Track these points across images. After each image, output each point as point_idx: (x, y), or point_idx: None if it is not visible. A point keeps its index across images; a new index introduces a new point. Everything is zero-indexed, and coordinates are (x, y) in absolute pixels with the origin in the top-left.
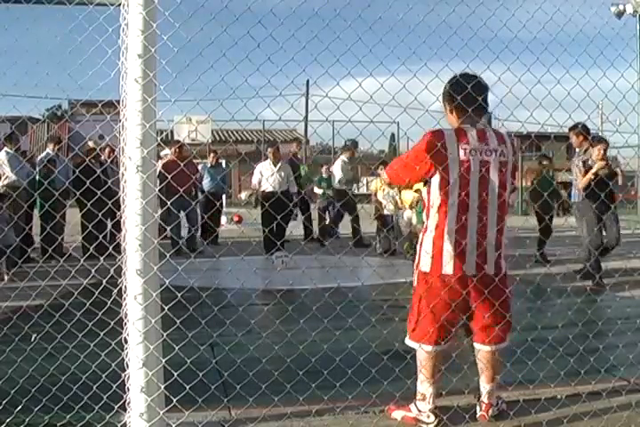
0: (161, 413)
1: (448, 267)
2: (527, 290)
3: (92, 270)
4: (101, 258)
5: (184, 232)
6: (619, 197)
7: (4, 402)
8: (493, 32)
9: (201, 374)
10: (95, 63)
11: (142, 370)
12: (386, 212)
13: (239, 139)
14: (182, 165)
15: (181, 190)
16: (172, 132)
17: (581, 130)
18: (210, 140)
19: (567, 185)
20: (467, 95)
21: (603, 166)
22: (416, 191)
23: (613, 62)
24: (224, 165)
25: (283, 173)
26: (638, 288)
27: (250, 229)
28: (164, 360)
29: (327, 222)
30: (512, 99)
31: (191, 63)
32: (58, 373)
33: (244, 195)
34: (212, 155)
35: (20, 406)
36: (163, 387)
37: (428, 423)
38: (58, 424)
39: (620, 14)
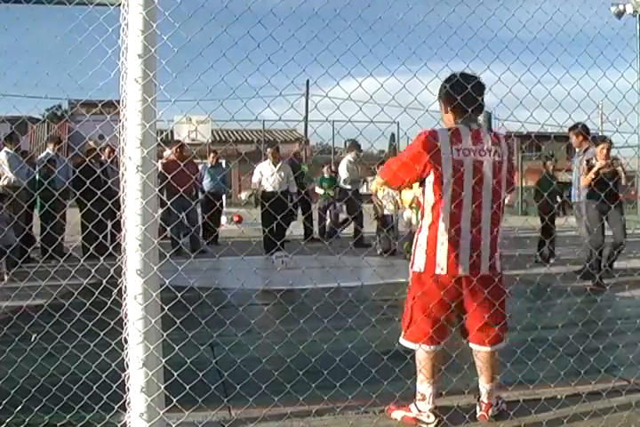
0: (161, 413)
1: (441, 267)
2: (527, 290)
3: (92, 270)
4: (101, 258)
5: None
6: (634, 196)
7: (4, 402)
8: (493, 32)
9: (201, 374)
10: (95, 63)
11: (142, 370)
12: (386, 212)
13: (239, 139)
14: (183, 165)
15: (181, 190)
16: (171, 132)
17: (581, 130)
18: (210, 140)
19: (567, 185)
20: (462, 95)
21: (603, 165)
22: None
23: (613, 62)
24: (224, 165)
25: (283, 173)
26: (638, 288)
27: (250, 229)
28: (164, 360)
29: (328, 222)
30: (512, 99)
31: (191, 63)
32: (58, 373)
33: (243, 195)
34: (211, 155)
35: (20, 406)
36: (163, 387)
37: (428, 423)
38: (58, 424)
39: (620, 14)
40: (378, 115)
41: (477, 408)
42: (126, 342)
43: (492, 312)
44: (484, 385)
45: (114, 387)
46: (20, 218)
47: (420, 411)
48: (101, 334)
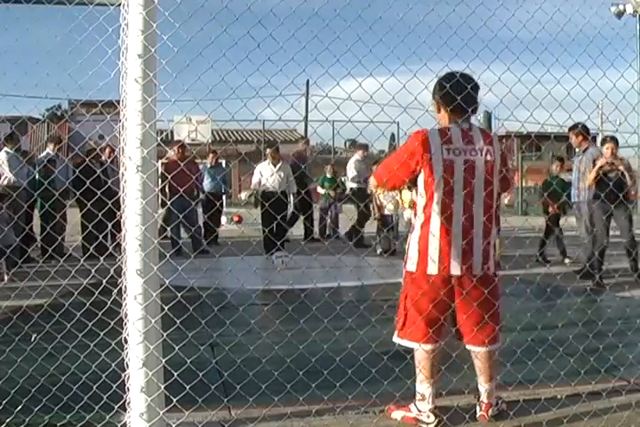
0: (161, 413)
1: (432, 267)
2: (527, 290)
3: (92, 270)
4: (101, 258)
5: (185, 233)
6: (634, 196)
7: (4, 402)
8: (493, 32)
9: (201, 374)
10: (95, 63)
11: (142, 370)
12: (386, 212)
13: (239, 139)
14: (184, 165)
15: (181, 190)
16: (171, 132)
17: (581, 130)
18: (210, 140)
19: (567, 185)
20: (455, 94)
21: (603, 164)
22: None
23: (613, 62)
24: (224, 165)
25: (282, 174)
26: (638, 288)
27: (250, 229)
28: (164, 360)
29: (328, 223)
30: (512, 99)
31: (191, 63)
32: (58, 373)
33: (243, 195)
34: (211, 155)
35: (20, 406)
36: (163, 387)
37: (428, 423)
38: (58, 424)
39: (620, 14)
40: (378, 115)
41: (477, 408)
42: (126, 342)
43: (486, 313)
44: (483, 385)
45: (114, 387)
46: (20, 218)
47: (419, 411)
48: (101, 334)
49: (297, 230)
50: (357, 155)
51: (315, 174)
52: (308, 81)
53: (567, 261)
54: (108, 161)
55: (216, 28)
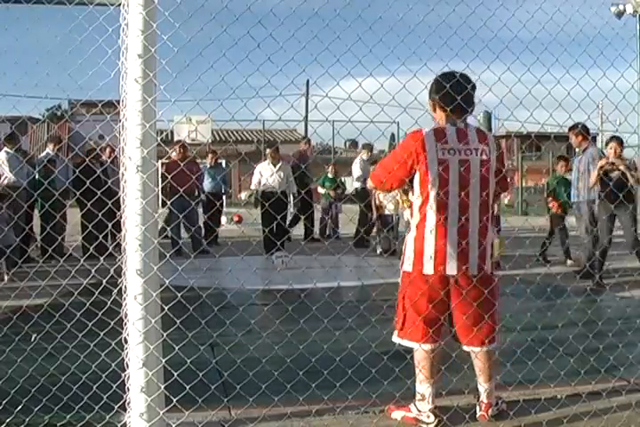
0: (161, 413)
1: (428, 267)
2: (527, 290)
3: (92, 270)
4: (101, 258)
5: (186, 234)
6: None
7: (4, 402)
8: (493, 32)
9: (201, 374)
10: (95, 63)
11: (142, 370)
12: (386, 212)
13: (239, 139)
14: (185, 165)
15: (181, 190)
16: (172, 132)
17: (581, 130)
18: (210, 140)
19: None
20: (451, 94)
21: (603, 164)
22: None
23: (613, 62)
24: (224, 165)
25: (282, 174)
26: (638, 288)
27: (250, 229)
28: (164, 360)
29: (328, 223)
30: (512, 99)
31: (191, 63)
32: (58, 373)
33: (243, 195)
34: (210, 155)
35: (20, 406)
36: (163, 387)
37: (428, 423)
38: (58, 424)
39: (620, 14)
40: (378, 115)
41: (477, 408)
42: (126, 342)
43: (483, 313)
44: (482, 385)
45: (114, 387)
46: (20, 218)
47: (419, 411)
48: (101, 334)
49: (297, 230)
50: (363, 155)
51: (314, 174)
52: (308, 81)
53: (569, 262)
54: (108, 161)
55: (216, 28)
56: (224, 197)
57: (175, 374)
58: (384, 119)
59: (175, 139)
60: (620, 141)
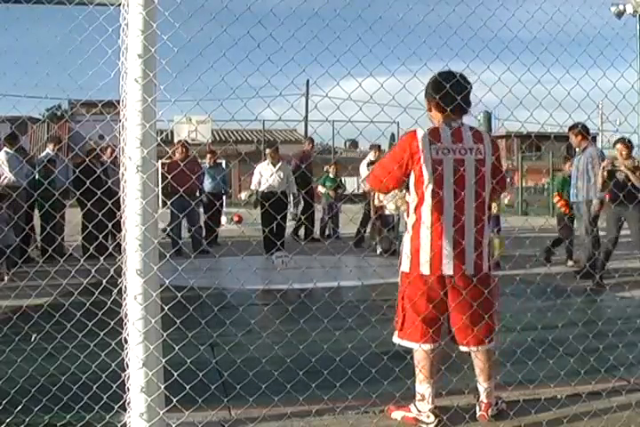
0: (161, 413)
1: (425, 267)
2: (527, 290)
3: (92, 270)
4: (101, 258)
5: (186, 234)
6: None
7: (4, 402)
8: (493, 32)
9: (201, 374)
10: (95, 63)
11: (142, 370)
12: (386, 212)
13: (239, 139)
14: (187, 165)
15: (181, 190)
16: (172, 132)
17: (581, 130)
18: (210, 140)
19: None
20: (446, 94)
21: (605, 165)
22: None
23: (613, 62)
24: (224, 165)
25: (282, 174)
26: (638, 288)
27: (250, 229)
28: (164, 360)
29: (328, 222)
30: (512, 99)
31: (191, 63)
32: (58, 373)
33: (243, 195)
34: (209, 155)
35: (20, 406)
36: (163, 387)
37: (427, 423)
38: (58, 424)
39: (620, 14)
40: (378, 115)
41: (477, 408)
42: (126, 342)
43: (479, 312)
44: (482, 384)
45: (114, 387)
46: (20, 218)
47: (419, 411)
48: (101, 334)
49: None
50: (370, 155)
51: (314, 174)
52: (308, 81)
53: (570, 262)
54: (108, 161)
55: (216, 28)
56: (224, 197)
57: (175, 374)
58: (384, 119)
59: (175, 139)
60: (626, 143)
